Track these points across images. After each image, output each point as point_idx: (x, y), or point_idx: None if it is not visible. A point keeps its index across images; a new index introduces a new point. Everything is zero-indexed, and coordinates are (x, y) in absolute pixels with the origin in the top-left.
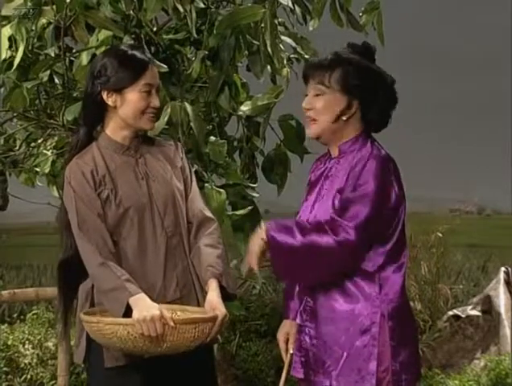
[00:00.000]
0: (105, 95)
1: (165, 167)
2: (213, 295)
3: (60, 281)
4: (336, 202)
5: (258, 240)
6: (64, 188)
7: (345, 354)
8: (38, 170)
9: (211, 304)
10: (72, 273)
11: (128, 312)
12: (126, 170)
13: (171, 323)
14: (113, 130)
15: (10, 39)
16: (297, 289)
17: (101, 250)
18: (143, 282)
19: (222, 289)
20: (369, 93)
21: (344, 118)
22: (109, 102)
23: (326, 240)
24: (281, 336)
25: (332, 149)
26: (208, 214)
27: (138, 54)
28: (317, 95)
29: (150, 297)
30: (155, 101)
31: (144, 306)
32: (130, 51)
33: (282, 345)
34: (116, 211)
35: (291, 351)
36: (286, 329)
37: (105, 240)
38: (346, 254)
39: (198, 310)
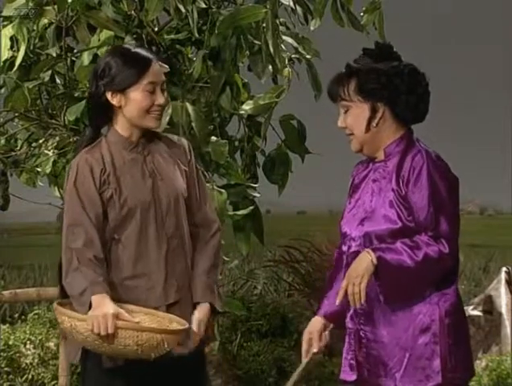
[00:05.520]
0: (109, 95)
1: (172, 166)
2: (199, 312)
3: (61, 280)
4: (398, 204)
5: (364, 264)
6: (68, 183)
7: (408, 354)
8: (39, 170)
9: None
10: None
11: None
12: (133, 168)
13: (121, 323)
14: (122, 127)
15: (11, 39)
16: (333, 289)
17: (80, 254)
18: (145, 282)
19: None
20: (389, 91)
21: (374, 124)
22: (114, 102)
23: (434, 250)
24: (305, 335)
25: (376, 155)
26: (213, 217)
27: (140, 52)
28: (346, 112)
29: (151, 298)
30: (160, 99)
31: (102, 305)
32: (132, 50)
33: (304, 345)
34: (120, 211)
35: (315, 350)
36: (311, 328)
37: (92, 243)
38: (447, 263)
39: (177, 320)
